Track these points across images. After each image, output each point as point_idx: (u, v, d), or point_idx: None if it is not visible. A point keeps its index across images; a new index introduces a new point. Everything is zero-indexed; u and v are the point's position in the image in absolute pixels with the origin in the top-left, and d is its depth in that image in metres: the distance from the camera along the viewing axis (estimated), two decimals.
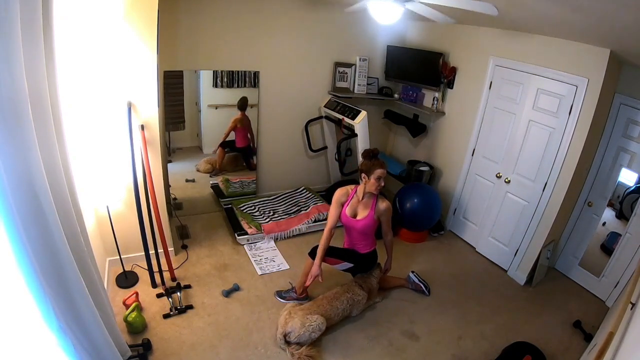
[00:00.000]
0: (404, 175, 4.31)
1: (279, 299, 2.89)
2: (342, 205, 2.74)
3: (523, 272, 3.42)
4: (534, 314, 3.08)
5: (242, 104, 3.85)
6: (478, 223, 3.87)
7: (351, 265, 2.85)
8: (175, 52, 3.32)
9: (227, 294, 2.89)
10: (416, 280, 3.17)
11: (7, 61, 1.09)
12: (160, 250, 2.92)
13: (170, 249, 3.13)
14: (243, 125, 3.96)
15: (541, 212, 3.24)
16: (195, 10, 3.27)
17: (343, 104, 3.95)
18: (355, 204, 2.73)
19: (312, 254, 2.77)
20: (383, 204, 2.68)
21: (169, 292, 2.76)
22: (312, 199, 4.20)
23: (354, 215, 2.73)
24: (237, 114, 3.88)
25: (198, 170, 4.00)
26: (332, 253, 2.77)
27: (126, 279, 2.89)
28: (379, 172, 2.56)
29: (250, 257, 3.37)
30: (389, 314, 2.91)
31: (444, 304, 3.07)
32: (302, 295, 2.87)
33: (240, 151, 4.12)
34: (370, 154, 2.61)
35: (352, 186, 2.78)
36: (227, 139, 3.97)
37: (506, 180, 3.50)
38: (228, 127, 3.91)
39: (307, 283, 2.72)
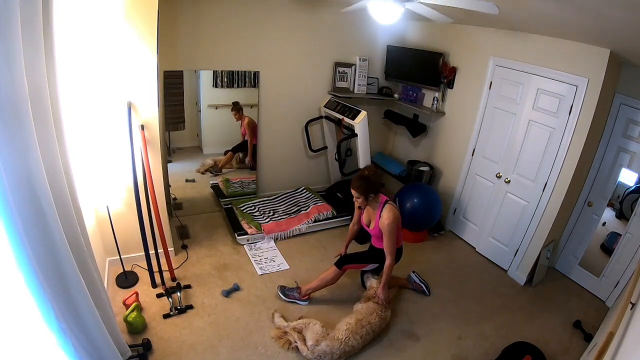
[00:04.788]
0: (404, 175, 4.31)
1: (281, 295, 2.89)
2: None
3: (523, 272, 3.42)
4: (534, 314, 3.08)
5: (239, 107, 3.86)
6: (478, 223, 3.87)
7: (377, 264, 2.85)
8: (175, 52, 3.32)
9: (227, 294, 2.89)
10: (417, 280, 3.17)
11: (7, 61, 1.09)
12: (160, 250, 2.91)
13: (170, 249, 3.13)
14: (251, 126, 4.00)
15: (541, 212, 3.24)
16: (195, 10, 3.27)
17: (343, 104, 3.95)
18: (369, 212, 2.73)
19: (338, 263, 2.82)
20: (385, 219, 2.57)
21: (169, 292, 2.76)
22: (312, 199, 4.20)
23: (368, 223, 2.75)
24: (243, 119, 3.94)
25: (201, 170, 4.02)
26: (356, 259, 2.81)
27: (126, 279, 2.89)
28: (352, 190, 2.59)
29: (250, 257, 3.37)
30: None
31: (444, 304, 3.07)
32: (305, 297, 2.88)
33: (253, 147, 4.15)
34: (360, 171, 2.65)
35: None
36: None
37: (506, 180, 3.50)
38: (243, 133, 4.00)
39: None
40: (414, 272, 3.22)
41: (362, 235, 3.02)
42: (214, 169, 4.08)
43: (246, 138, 4.03)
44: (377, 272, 2.94)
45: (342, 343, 2.38)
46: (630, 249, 3.04)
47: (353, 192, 2.57)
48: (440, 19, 2.51)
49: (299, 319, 2.62)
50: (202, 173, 4.02)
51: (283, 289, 2.93)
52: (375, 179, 2.55)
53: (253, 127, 4.00)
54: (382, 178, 2.63)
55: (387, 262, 2.66)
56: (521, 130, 3.32)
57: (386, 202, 2.65)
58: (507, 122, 3.43)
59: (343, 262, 2.83)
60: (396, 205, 2.73)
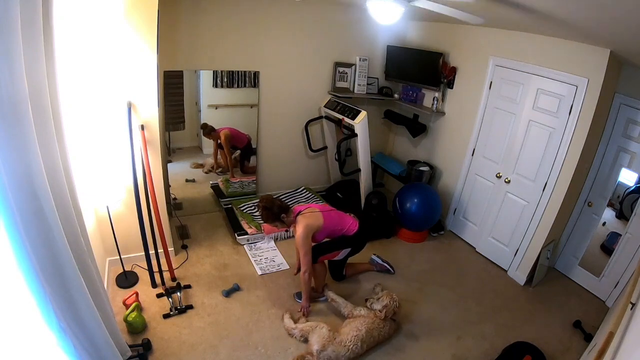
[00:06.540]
0: (404, 175, 4.31)
1: (300, 301, 2.88)
2: None
3: (523, 272, 3.42)
4: (534, 314, 3.08)
5: (210, 128, 3.81)
6: (478, 223, 3.87)
7: (349, 249, 2.87)
8: (175, 52, 3.32)
9: (227, 294, 2.89)
10: (380, 261, 3.26)
11: (7, 61, 1.10)
12: (160, 250, 2.91)
13: (170, 249, 3.13)
14: (229, 139, 3.96)
15: (541, 212, 3.24)
16: (195, 10, 3.27)
17: (343, 104, 3.95)
18: None
19: (312, 257, 2.78)
20: (296, 234, 2.62)
21: (169, 292, 2.76)
22: (312, 199, 4.20)
23: None
24: (219, 136, 3.87)
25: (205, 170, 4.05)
26: (326, 249, 2.81)
27: (126, 279, 2.89)
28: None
29: (250, 257, 3.37)
30: None
31: (443, 303, 3.07)
32: (321, 292, 2.92)
33: (240, 150, 4.13)
34: (258, 204, 2.75)
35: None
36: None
37: (506, 180, 3.50)
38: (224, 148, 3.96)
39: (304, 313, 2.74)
40: (374, 254, 3.30)
41: (333, 267, 3.05)
42: (220, 170, 4.08)
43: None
44: (351, 254, 2.92)
45: (349, 350, 2.36)
46: (630, 249, 3.04)
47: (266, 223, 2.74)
48: (472, 20, 2.30)
49: (306, 321, 2.62)
50: (206, 172, 4.00)
51: (299, 294, 2.92)
52: (272, 205, 2.66)
53: (231, 139, 3.95)
54: (278, 202, 2.73)
55: (301, 272, 2.65)
56: (521, 130, 3.32)
57: (298, 214, 2.70)
58: (507, 122, 3.43)
59: (316, 254, 2.78)
60: (309, 211, 2.72)
